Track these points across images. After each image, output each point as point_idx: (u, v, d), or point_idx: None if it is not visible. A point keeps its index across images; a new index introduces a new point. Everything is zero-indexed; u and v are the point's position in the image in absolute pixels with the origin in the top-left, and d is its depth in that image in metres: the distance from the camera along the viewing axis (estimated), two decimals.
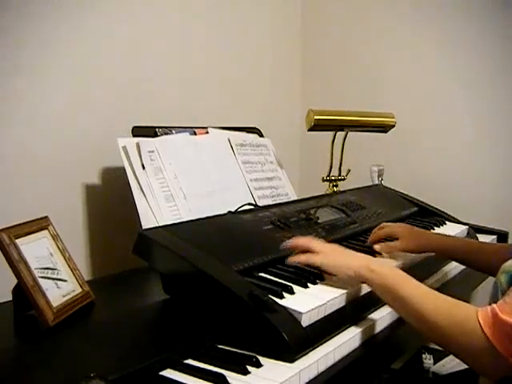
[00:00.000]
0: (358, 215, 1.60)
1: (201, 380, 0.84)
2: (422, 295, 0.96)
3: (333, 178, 1.90)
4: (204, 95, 1.91)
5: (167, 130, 1.55)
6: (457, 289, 1.52)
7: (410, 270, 1.35)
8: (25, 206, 1.30)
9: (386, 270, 1.02)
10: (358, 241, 1.47)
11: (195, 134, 1.61)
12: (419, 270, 1.38)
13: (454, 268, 1.49)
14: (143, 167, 1.41)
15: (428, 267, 1.43)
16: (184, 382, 0.84)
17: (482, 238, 1.82)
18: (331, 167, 1.90)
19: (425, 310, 0.93)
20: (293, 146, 2.44)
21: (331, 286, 1.11)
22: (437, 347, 2.11)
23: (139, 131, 1.48)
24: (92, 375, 0.76)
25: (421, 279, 1.35)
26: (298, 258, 1.11)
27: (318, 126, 1.78)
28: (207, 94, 1.92)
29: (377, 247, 1.37)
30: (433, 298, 0.95)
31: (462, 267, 1.49)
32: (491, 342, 0.85)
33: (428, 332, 0.95)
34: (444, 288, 1.42)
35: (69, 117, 1.46)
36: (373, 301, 1.14)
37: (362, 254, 1.13)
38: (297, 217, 1.43)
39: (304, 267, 1.19)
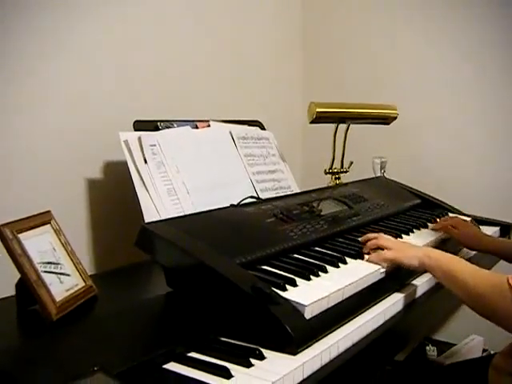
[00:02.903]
0: (360, 207, 1.60)
1: (204, 373, 0.84)
2: (469, 271, 1.09)
3: (335, 170, 1.90)
4: (205, 88, 1.90)
5: (169, 124, 1.55)
6: None
7: None
8: (27, 201, 1.30)
9: (440, 255, 1.17)
10: (361, 233, 1.46)
11: (197, 127, 1.61)
12: None
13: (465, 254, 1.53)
14: (145, 161, 1.40)
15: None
16: (187, 374, 0.84)
17: (485, 229, 1.82)
18: (333, 160, 1.90)
19: (468, 281, 1.06)
20: (295, 139, 2.44)
21: (334, 278, 1.11)
22: (440, 339, 2.11)
23: (141, 125, 1.48)
24: (96, 369, 0.76)
25: None
26: (372, 257, 1.24)
27: (319, 119, 1.78)
28: (208, 87, 1.92)
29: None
30: (476, 272, 1.09)
31: (471, 254, 1.55)
32: None
33: (471, 302, 1.07)
34: None
35: (70, 111, 1.46)
36: (375, 293, 1.14)
37: (423, 247, 1.32)
38: (299, 209, 1.42)
39: (308, 260, 1.19)
